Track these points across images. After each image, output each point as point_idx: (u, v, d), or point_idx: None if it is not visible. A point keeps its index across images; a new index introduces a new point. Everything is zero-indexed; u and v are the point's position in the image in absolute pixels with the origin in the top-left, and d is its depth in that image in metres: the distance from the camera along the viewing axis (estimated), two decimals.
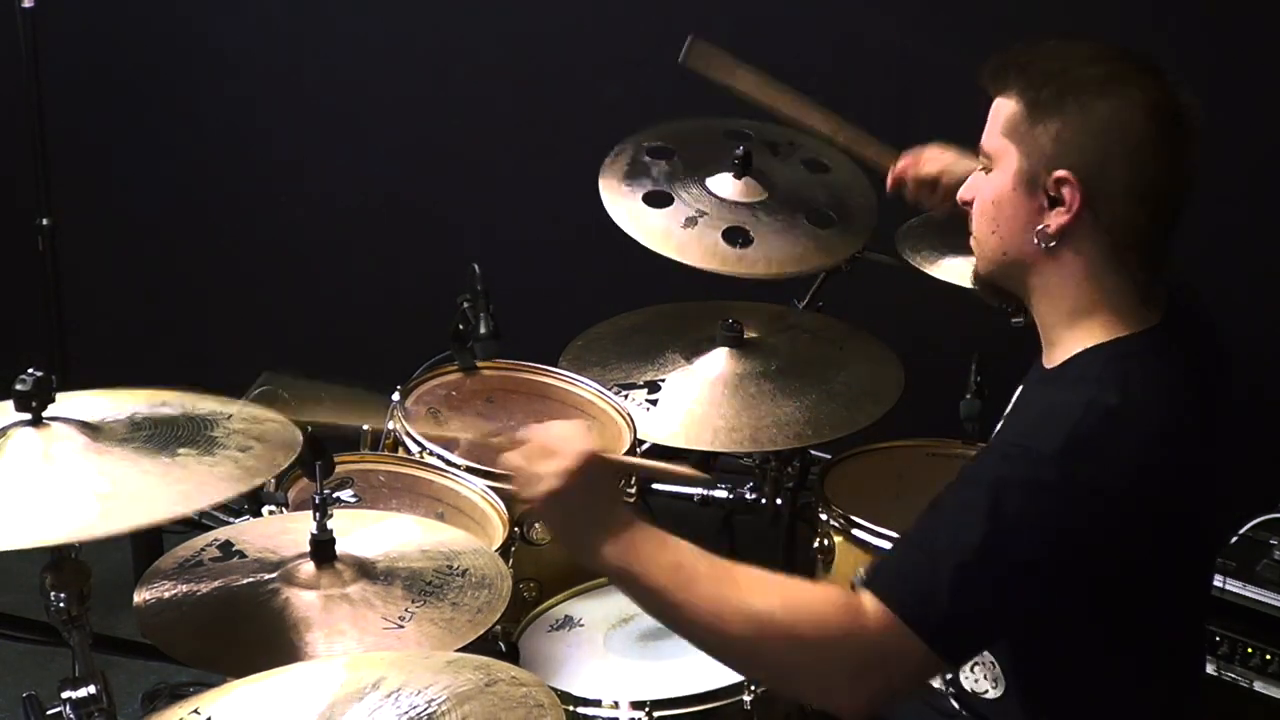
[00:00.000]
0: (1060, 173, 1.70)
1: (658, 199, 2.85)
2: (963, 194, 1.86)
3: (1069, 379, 1.74)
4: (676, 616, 1.65)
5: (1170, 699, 1.83)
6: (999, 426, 1.87)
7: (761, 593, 1.63)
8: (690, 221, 2.80)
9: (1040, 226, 1.73)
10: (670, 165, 2.93)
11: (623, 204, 2.83)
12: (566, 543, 1.71)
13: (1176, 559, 1.76)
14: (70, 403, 1.83)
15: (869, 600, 1.62)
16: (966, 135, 3.52)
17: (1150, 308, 1.77)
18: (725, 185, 2.89)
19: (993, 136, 1.78)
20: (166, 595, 1.96)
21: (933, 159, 2.51)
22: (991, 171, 1.79)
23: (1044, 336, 1.83)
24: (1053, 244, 1.73)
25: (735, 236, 2.81)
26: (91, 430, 1.78)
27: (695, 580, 1.63)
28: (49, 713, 1.79)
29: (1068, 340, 1.78)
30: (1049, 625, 1.70)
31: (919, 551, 1.67)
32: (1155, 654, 1.78)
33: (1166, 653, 1.81)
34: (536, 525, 2.44)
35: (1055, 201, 1.72)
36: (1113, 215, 1.71)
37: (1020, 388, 1.94)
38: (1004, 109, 1.76)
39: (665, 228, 2.79)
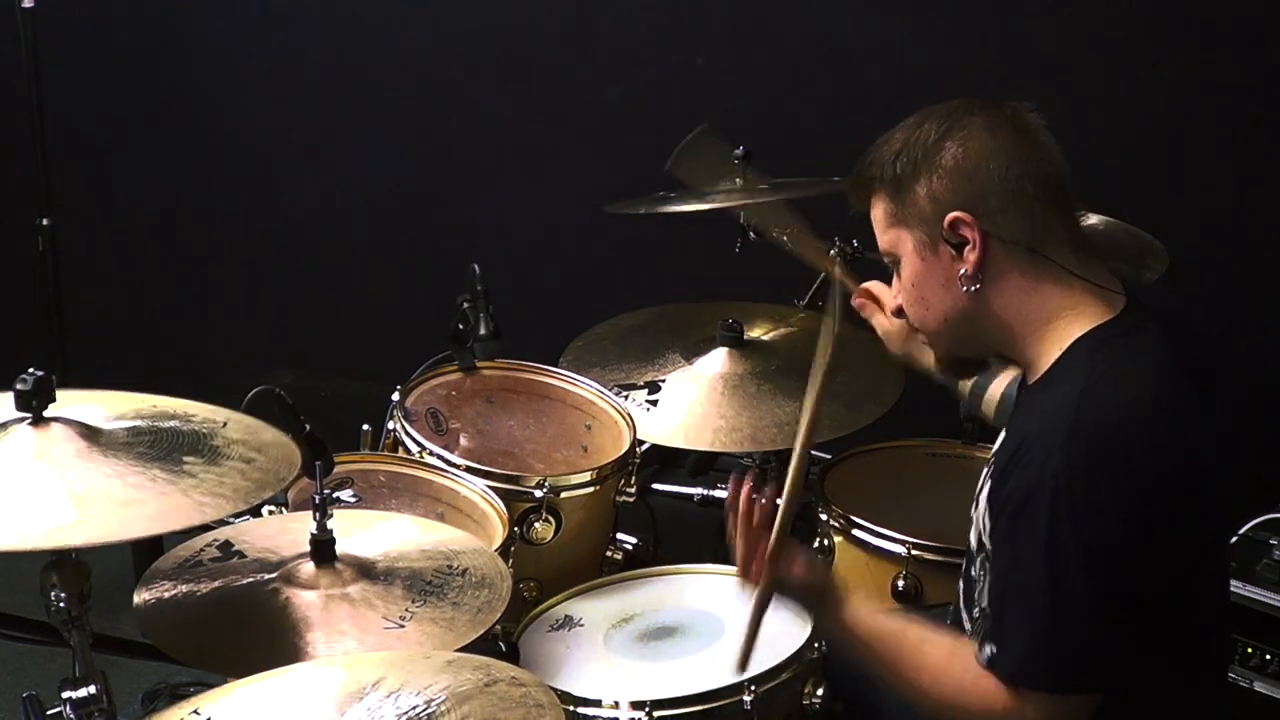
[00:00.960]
0: (949, 217, 1.78)
1: (667, 200, 2.87)
2: (892, 304, 1.94)
3: (1056, 381, 1.78)
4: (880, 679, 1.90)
5: (1194, 703, 1.84)
6: (999, 444, 1.90)
7: (940, 685, 1.82)
8: (711, 185, 2.83)
9: (960, 273, 1.79)
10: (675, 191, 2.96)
11: (638, 204, 2.85)
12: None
13: (1194, 534, 1.77)
14: (66, 405, 1.82)
15: (1025, 699, 1.73)
16: None
17: (1110, 297, 1.80)
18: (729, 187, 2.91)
19: (883, 236, 1.88)
20: (166, 595, 1.96)
21: (902, 327, 2.42)
22: (900, 265, 1.87)
23: (1022, 363, 1.87)
24: (978, 282, 1.80)
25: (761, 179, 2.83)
26: (91, 433, 1.78)
27: (890, 660, 1.87)
28: (49, 713, 1.79)
29: (1042, 352, 1.81)
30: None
31: (1038, 629, 1.72)
32: (1177, 643, 1.78)
33: (1191, 650, 1.81)
34: (536, 525, 2.44)
35: (960, 245, 1.79)
36: (1011, 226, 1.78)
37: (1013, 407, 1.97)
38: (878, 209, 1.87)
39: (684, 199, 2.80)
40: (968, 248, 1.79)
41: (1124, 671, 1.73)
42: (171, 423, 1.87)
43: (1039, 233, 1.78)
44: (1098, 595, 1.69)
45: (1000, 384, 2.31)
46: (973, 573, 1.88)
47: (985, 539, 1.82)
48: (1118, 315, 1.79)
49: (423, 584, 1.99)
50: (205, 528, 2.18)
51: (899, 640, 1.87)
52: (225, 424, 1.90)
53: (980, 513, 1.85)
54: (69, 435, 1.76)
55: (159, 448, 1.80)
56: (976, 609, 1.87)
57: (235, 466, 1.80)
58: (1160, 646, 1.75)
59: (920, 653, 1.86)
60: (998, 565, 1.77)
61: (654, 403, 2.76)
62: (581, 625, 2.33)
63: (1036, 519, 1.69)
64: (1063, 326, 1.79)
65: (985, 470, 1.89)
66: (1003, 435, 1.91)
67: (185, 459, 1.78)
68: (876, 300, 2.34)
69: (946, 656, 1.85)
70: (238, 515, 2.29)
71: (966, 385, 2.35)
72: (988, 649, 1.77)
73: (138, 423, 1.86)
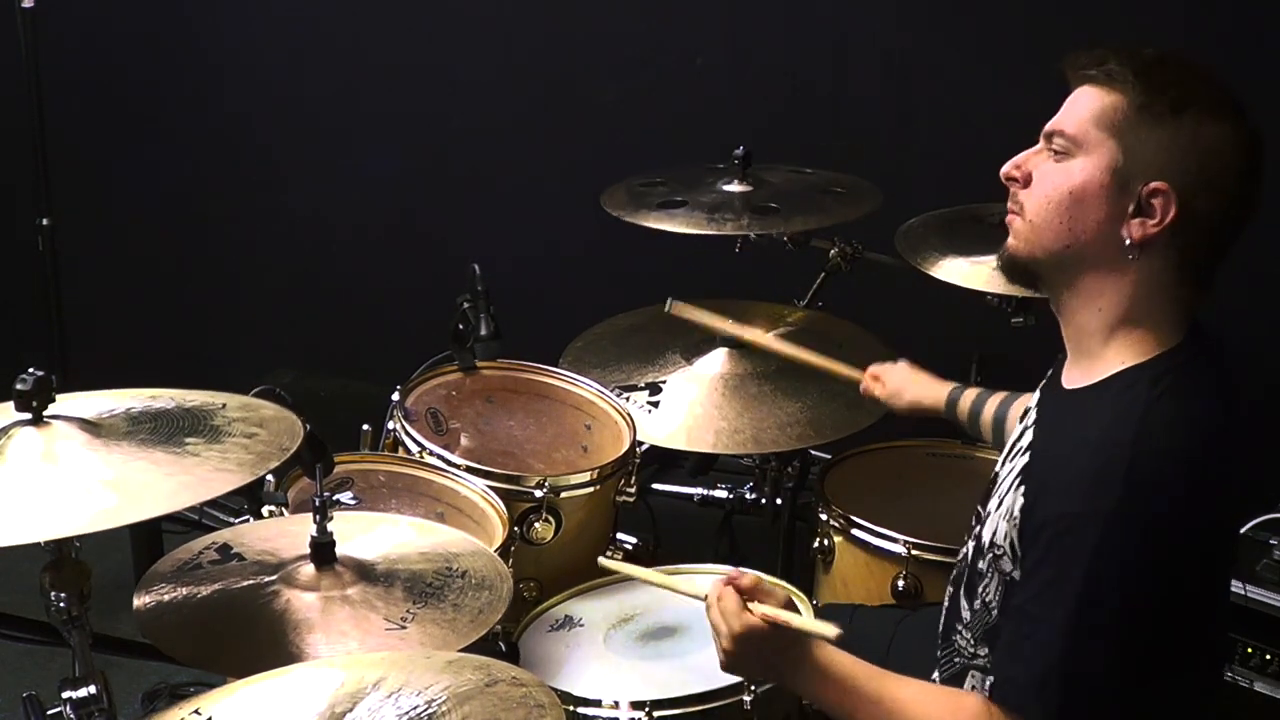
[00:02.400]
0: (1158, 184, 1.67)
1: (672, 204, 2.88)
2: (1011, 169, 1.78)
3: (1107, 402, 1.71)
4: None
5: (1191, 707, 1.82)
6: (1028, 453, 1.80)
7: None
8: (715, 208, 2.84)
9: (1122, 232, 1.69)
10: (668, 186, 2.96)
11: (640, 215, 2.86)
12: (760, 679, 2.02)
13: (1213, 569, 1.76)
14: (67, 403, 1.82)
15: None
16: (965, 135, 3.54)
17: (1185, 323, 1.75)
18: (731, 186, 2.94)
19: (1082, 124, 1.71)
20: (166, 599, 1.96)
21: (896, 385, 2.52)
22: (1071, 159, 1.72)
23: (1075, 345, 1.79)
24: (1133, 253, 1.69)
25: (764, 209, 2.85)
26: (92, 427, 1.78)
27: (860, 705, 1.78)
28: (49, 713, 1.78)
29: (1104, 355, 1.74)
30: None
31: (1049, 659, 1.67)
32: (1183, 666, 1.75)
33: (1193, 663, 1.79)
34: (536, 525, 2.44)
35: (1142, 210, 1.68)
36: (1192, 237, 1.69)
37: (1036, 406, 1.88)
38: (1103, 100, 1.70)
39: (693, 219, 2.82)
40: (1149, 219, 1.68)
41: (1118, 704, 1.70)
42: (169, 404, 1.89)
43: (1200, 259, 1.70)
44: (1124, 638, 1.66)
45: (992, 406, 2.33)
46: (980, 566, 1.83)
47: (1001, 543, 1.77)
48: (1180, 344, 1.72)
49: (423, 586, 1.99)
50: (206, 528, 2.18)
51: (869, 674, 1.81)
52: (224, 406, 1.90)
53: (998, 515, 1.80)
54: (71, 430, 1.76)
55: (160, 433, 1.80)
56: (978, 601, 1.83)
57: (238, 442, 1.80)
58: (1164, 666, 1.71)
59: (898, 681, 1.81)
60: (1019, 592, 1.73)
61: (655, 404, 2.76)
62: (581, 625, 2.33)
63: (1078, 551, 1.64)
64: (1137, 339, 1.72)
65: (1008, 469, 1.83)
66: (1030, 436, 1.83)
67: (187, 440, 1.79)
68: (879, 379, 2.52)
69: (921, 687, 1.83)
70: (237, 515, 2.30)
71: (965, 410, 2.37)
72: (988, 679, 1.76)
73: (132, 404, 1.87)
